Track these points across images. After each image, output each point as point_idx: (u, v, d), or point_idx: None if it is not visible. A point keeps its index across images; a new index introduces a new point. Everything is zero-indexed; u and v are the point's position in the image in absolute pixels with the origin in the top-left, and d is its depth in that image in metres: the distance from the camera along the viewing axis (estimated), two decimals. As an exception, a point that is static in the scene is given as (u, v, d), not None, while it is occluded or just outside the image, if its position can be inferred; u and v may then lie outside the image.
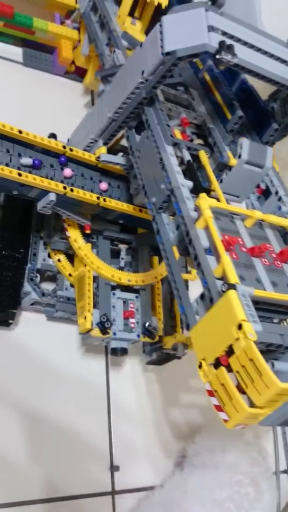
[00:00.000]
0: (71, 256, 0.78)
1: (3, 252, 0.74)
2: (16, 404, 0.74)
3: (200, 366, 0.42)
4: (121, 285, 0.74)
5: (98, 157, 0.66)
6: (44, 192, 0.63)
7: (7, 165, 0.60)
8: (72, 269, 0.77)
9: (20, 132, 0.61)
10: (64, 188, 0.63)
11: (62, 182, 0.64)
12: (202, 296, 0.45)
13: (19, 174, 0.59)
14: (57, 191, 0.63)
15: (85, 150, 0.68)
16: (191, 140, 0.63)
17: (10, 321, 0.75)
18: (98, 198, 0.66)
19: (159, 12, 0.81)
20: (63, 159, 0.64)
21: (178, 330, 0.78)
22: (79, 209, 0.69)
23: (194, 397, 0.91)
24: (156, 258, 0.79)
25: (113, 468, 0.78)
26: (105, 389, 0.83)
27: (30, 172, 0.61)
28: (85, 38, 0.90)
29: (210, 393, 0.41)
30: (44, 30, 0.94)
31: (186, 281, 0.84)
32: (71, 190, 0.64)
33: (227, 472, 0.74)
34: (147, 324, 0.73)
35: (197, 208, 0.48)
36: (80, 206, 0.68)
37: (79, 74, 1.02)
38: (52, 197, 0.62)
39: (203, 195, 0.48)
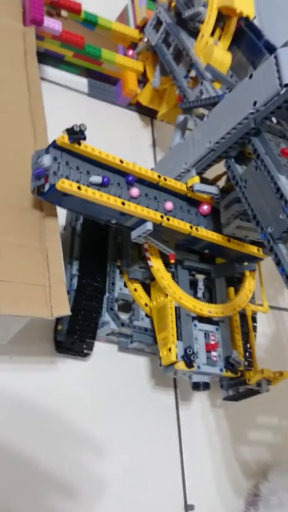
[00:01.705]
0: (145, 286, 0.77)
1: (83, 281, 0.73)
2: (83, 435, 0.71)
3: None
4: (200, 317, 0.72)
5: (191, 187, 0.66)
6: (141, 221, 0.62)
7: (119, 197, 0.59)
8: (148, 299, 0.75)
9: (121, 161, 0.61)
10: (161, 217, 0.62)
11: (156, 210, 0.63)
12: None
13: (123, 203, 0.59)
14: (154, 220, 0.62)
15: (176, 179, 0.67)
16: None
17: (88, 352, 0.73)
18: (191, 227, 0.65)
19: (236, 38, 0.82)
20: (130, 178, 0.63)
21: (256, 365, 0.76)
22: (165, 238, 0.68)
23: (261, 434, 0.89)
24: (232, 289, 0.78)
25: (188, 507, 0.75)
26: (176, 424, 0.81)
27: (134, 202, 0.60)
28: (156, 70, 0.91)
29: None
30: (111, 61, 0.96)
31: (255, 313, 0.84)
32: (168, 219, 0.63)
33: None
34: (231, 357, 0.71)
35: None
36: (168, 235, 0.67)
37: (141, 106, 1.03)
38: (149, 226, 0.62)
39: None
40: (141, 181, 0.65)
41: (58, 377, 0.73)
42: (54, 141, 0.57)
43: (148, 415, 0.78)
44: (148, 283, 0.76)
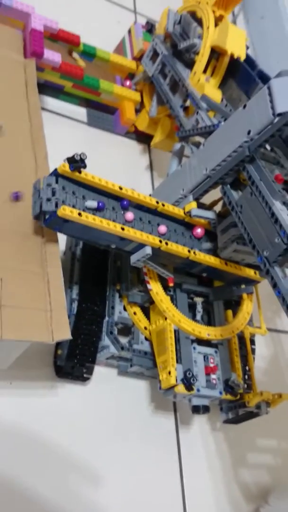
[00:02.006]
0: (144, 309, 0.78)
1: (82, 305, 0.74)
2: (83, 461, 0.71)
3: None
4: (199, 340, 0.73)
5: (188, 212, 0.67)
6: (140, 246, 0.64)
7: (114, 221, 0.61)
8: (147, 322, 0.76)
9: (121, 188, 0.62)
10: (160, 241, 0.64)
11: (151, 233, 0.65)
12: None
13: (122, 229, 0.60)
14: (153, 244, 0.64)
15: (173, 205, 0.69)
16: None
17: (88, 376, 0.74)
18: (189, 251, 0.67)
19: (231, 68, 0.85)
20: (125, 202, 0.64)
21: (255, 387, 0.77)
22: (164, 262, 0.70)
23: (261, 456, 0.89)
24: (230, 312, 0.79)
25: (189, 533, 0.75)
26: (176, 448, 0.81)
27: (129, 226, 0.62)
28: (153, 100, 0.94)
29: None
30: (109, 91, 0.98)
31: (253, 335, 0.85)
32: (166, 243, 0.64)
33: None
34: (230, 380, 0.71)
35: None
36: (166, 259, 0.68)
37: (138, 133, 1.05)
38: (148, 250, 0.63)
39: None
40: (135, 205, 0.66)
41: (58, 402, 0.73)
42: (56, 170, 0.59)
43: (148, 440, 0.79)
44: (147, 307, 0.77)
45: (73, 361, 0.72)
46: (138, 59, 1.04)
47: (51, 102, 0.98)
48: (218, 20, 0.87)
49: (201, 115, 0.73)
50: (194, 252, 0.67)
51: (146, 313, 0.77)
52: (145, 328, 0.76)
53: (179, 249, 0.66)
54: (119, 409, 0.78)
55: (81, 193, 0.62)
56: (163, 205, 0.67)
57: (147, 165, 1.07)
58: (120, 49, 1.09)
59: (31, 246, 0.61)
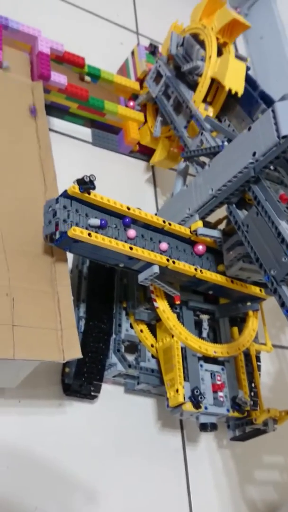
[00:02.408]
0: (151, 326, 0.78)
1: (90, 323, 0.75)
2: (91, 478, 0.71)
3: None
4: (205, 357, 0.74)
5: (194, 231, 0.69)
6: (147, 265, 0.65)
7: (116, 238, 0.62)
8: (153, 339, 0.77)
9: (128, 208, 0.64)
10: (167, 260, 0.65)
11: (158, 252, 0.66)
12: None
13: (131, 248, 0.61)
14: (161, 263, 0.65)
15: (179, 224, 0.70)
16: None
17: (96, 394, 0.74)
18: (195, 269, 0.68)
19: (229, 99, 0.87)
20: (127, 220, 0.65)
21: (262, 404, 0.77)
22: (170, 280, 0.70)
23: (267, 473, 0.89)
24: (235, 329, 0.80)
25: None
26: (183, 465, 0.81)
27: (134, 244, 0.63)
28: (157, 121, 0.96)
29: None
30: (114, 112, 1.00)
31: (258, 352, 0.86)
32: (173, 262, 0.65)
33: None
34: (237, 397, 0.72)
35: None
36: (172, 277, 0.69)
37: (142, 152, 1.07)
38: (156, 269, 0.64)
39: None
40: (137, 223, 0.67)
41: (66, 420, 0.74)
42: (65, 191, 0.60)
43: (156, 457, 0.79)
44: (154, 324, 0.78)
45: (81, 379, 0.73)
46: (141, 80, 1.06)
47: (57, 122, 0.99)
48: (222, 46, 0.89)
49: (206, 136, 0.74)
50: (200, 271, 0.68)
51: (153, 330, 0.78)
52: (152, 345, 0.77)
53: (186, 267, 0.67)
54: (126, 426, 0.78)
55: (84, 211, 0.62)
56: (169, 224, 0.68)
57: (151, 183, 1.08)
58: (123, 70, 1.12)
59: (41, 265, 0.62)
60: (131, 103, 1.06)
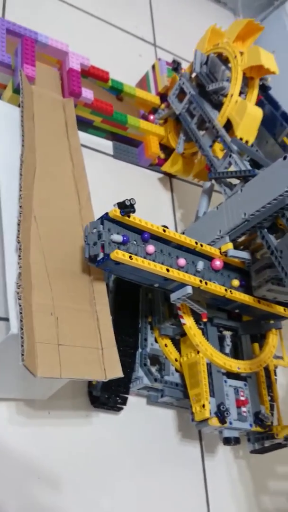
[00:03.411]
0: (174, 340, 0.81)
1: (117, 337, 0.77)
2: (114, 488, 0.74)
3: None
4: (228, 373, 0.76)
5: (225, 252, 0.71)
6: (181, 285, 0.67)
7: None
8: (177, 354, 0.79)
9: (164, 231, 0.66)
10: (200, 281, 0.67)
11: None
12: None
13: (167, 270, 0.63)
14: (194, 284, 0.67)
15: (209, 244, 0.72)
16: None
17: (122, 406, 0.76)
18: (225, 290, 0.70)
19: (259, 103, 0.88)
20: (146, 235, 0.66)
21: (281, 418, 0.80)
22: (198, 298, 0.73)
23: (280, 483, 0.92)
24: (256, 345, 0.82)
25: None
26: (202, 474, 0.83)
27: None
28: (180, 138, 0.98)
29: None
30: (136, 126, 1.02)
31: (276, 367, 0.88)
32: (205, 283, 0.68)
33: None
34: (260, 413, 0.74)
35: None
36: (200, 296, 0.72)
37: (161, 165, 1.09)
38: (189, 290, 0.66)
39: None
40: (155, 238, 0.67)
41: (92, 431, 0.76)
42: (107, 214, 0.62)
43: (176, 467, 0.81)
44: (177, 339, 0.80)
45: (108, 391, 0.75)
46: (162, 94, 1.08)
47: (80, 135, 1.01)
48: (248, 80, 0.90)
49: (235, 159, 0.76)
50: (230, 291, 0.71)
51: (175, 344, 0.80)
52: (176, 360, 0.79)
53: (217, 288, 0.69)
54: (148, 437, 0.81)
55: (106, 226, 0.63)
56: (201, 245, 0.70)
57: (169, 197, 1.10)
58: (143, 83, 1.13)
59: (80, 284, 0.64)
60: (151, 117, 1.08)
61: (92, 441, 0.75)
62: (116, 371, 0.58)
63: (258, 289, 0.72)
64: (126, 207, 0.61)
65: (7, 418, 0.69)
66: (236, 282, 0.73)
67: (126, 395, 0.77)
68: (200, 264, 0.71)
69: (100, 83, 1.01)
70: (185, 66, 1.02)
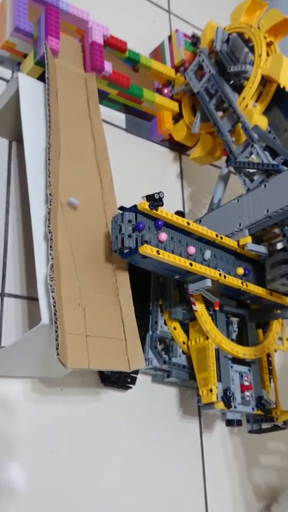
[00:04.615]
0: (182, 324, 0.83)
1: (130, 320, 0.78)
2: (120, 461, 0.78)
3: None
4: (234, 358, 0.79)
5: (243, 245, 0.72)
6: (200, 278, 0.68)
7: (180, 254, 0.65)
8: (185, 337, 0.82)
9: (188, 223, 0.66)
10: (220, 275, 0.69)
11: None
12: None
13: (190, 264, 0.65)
14: (213, 277, 0.68)
15: (227, 236, 0.73)
16: None
17: (131, 386, 0.79)
18: (242, 283, 0.72)
19: (275, 94, 0.88)
20: (159, 223, 0.65)
21: (279, 402, 0.84)
22: (212, 288, 0.74)
23: (270, 459, 0.97)
24: (260, 331, 0.85)
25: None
26: (200, 449, 0.88)
27: (191, 259, 0.66)
28: (196, 117, 0.96)
29: None
30: (151, 101, 1.00)
31: (275, 351, 0.92)
32: (224, 277, 0.69)
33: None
34: (263, 398, 0.78)
35: None
36: (217, 287, 0.73)
37: (171, 141, 1.08)
38: (208, 283, 0.68)
39: None
40: (167, 225, 0.67)
41: (101, 407, 0.79)
42: (135, 206, 0.62)
43: (176, 441, 0.85)
44: (186, 323, 0.82)
45: (119, 371, 0.77)
46: (177, 68, 1.06)
47: (94, 107, 0.99)
48: (267, 46, 0.90)
49: (257, 149, 0.76)
50: (246, 284, 0.73)
51: (183, 327, 0.82)
52: (184, 343, 0.81)
53: (234, 281, 0.71)
54: (152, 413, 0.84)
55: (126, 218, 0.63)
56: (221, 237, 0.71)
57: (178, 172, 1.10)
58: (158, 54, 1.11)
59: (104, 273, 0.65)
60: (165, 90, 1.06)
61: (100, 417, 0.78)
62: (139, 362, 0.60)
63: (272, 283, 0.73)
64: (156, 201, 0.62)
65: (22, 395, 0.71)
66: (240, 270, 0.74)
67: (136, 375, 0.79)
68: (208, 253, 0.72)
69: (117, 53, 0.98)
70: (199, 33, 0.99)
